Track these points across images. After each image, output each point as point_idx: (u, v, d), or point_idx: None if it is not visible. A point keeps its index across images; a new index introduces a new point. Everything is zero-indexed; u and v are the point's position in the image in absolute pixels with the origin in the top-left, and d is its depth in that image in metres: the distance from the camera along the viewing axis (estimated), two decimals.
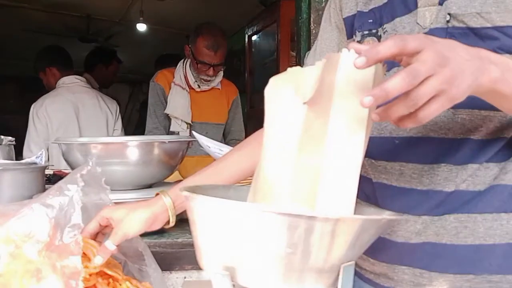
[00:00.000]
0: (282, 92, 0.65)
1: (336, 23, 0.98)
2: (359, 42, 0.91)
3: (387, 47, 0.53)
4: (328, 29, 1.00)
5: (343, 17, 0.95)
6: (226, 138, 2.70)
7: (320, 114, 0.62)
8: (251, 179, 0.75)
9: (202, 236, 0.64)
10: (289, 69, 0.68)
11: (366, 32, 0.89)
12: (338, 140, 0.61)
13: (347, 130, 0.61)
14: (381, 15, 0.87)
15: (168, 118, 2.49)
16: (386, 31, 0.86)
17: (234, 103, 2.67)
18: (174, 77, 2.49)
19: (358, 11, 0.92)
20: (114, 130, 2.75)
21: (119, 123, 2.78)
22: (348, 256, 0.62)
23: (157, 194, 0.98)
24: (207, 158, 2.12)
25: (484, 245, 0.79)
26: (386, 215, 0.70)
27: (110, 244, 0.88)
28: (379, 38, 0.87)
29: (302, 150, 0.63)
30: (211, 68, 2.40)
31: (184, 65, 2.50)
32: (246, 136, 2.77)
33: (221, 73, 2.54)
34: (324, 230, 0.57)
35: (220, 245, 0.62)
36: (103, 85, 3.69)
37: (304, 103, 0.62)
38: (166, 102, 2.47)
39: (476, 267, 0.79)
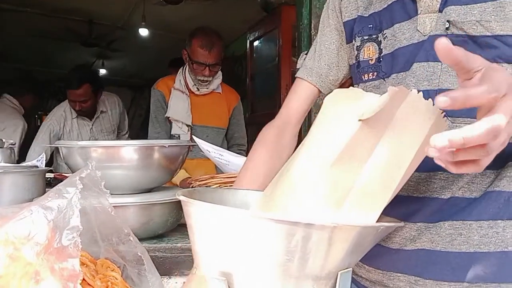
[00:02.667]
0: (341, 104, 0.66)
1: (335, 25, 0.99)
2: (358, 47, 0.91)
3: (479, 98, 0.50)
4: (327, 31, 1.00)
5: (343, 21, 0.96)
6: (229, 142, 2.71)
7: (370, 138, 0.63)
8: None
9: (200, 241, 0.64)
10: (351, 88, 0.70)
11: (366, 37, 0.90)
12: (378, 167, 0.63)
13: (390, 162, 0.63)
14: (381, 20, 0.88)
15: (169, 122, 2.50)
16: (386, 36, 0.86)
17: (235, 110, 2.68)
18: (174, 83, 2.52)
19: (358, 16, 0.92)
20: None
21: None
22: (345, 263, 0.62)
23: None
24: (207, 161, 2.14)
25: (479, 252, 0.79)
26: (384, 221, 0.70)
27: None
28: (379, 44, 0.88)
29: (338, 163, 0.63)
30: (207, 68, 2.41)
31: (184, 70, 2.53)
32: (248, 141, 2.81)
33: (220, 76, 2.55)
34: (321, 238, 0.57)
35: (217, 250, 0.62)
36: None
37: (360, 120, 0.63)
38: (167, 107, 2.50)
39: (471, 275, 0.79)
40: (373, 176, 0.63)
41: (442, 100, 0.49)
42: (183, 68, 2.56)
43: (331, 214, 0.63)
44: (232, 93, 2.71)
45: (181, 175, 2.11)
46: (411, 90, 0.63)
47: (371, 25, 0.89)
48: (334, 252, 0.59)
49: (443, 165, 0.54)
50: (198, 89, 2.50)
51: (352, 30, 0.93)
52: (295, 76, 1.06)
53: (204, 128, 2.53)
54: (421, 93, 0.62)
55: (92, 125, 3.14)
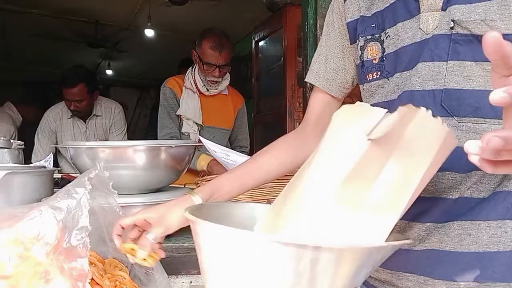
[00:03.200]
0: (349, 121, 0.67)
1: (339, 29, 0.99)
2: (362, 47, 0.91)
3: None
4: (332, 34, 1.00)
5: (346, 21, 0.96)
6: (232, 144, 2.74)
7: (379, 157, 0.63)
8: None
9: (207, 260, 0.64)
10: (358, 103, 0.70)
11: (369, 37, 0.90)
12: (387, 186, 0.63)
13: (398, 182, 0.63)
14: (383, 19, 0.87)
15: (179, 120, 2.52)
16: (389, 35, 0.86)
17: (240, 112, 2.71)
18: (184, 82, 2.54)
19: (361, 16, 0.92)
20: None
21: None
22: (353, 283, 0.62)
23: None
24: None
25: (488, 252, 0.79)
26: (392, 239, 0.69)
27: (151, 236, 0.87)
28: (382, 43, 0.88)
29: (348, 181, 0.64)
30: (217, 69, 2.44)
31: (193, 70, 2.55)
32: (252, 142, 2.82)
33: (228, 78, 2.56)
34: (329, 259, 0.57)
35: (224, 270, 0.62)
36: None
37: (369, 139, 0.63)
38: (179, 105, 2.51)
39: (480, 274, 0.79)
40: (382, 195, 0.63)
41: (497, 95, 0.47)
42: (192, 68, 2.57)
43: (342, 232, 0.63)
44: (237, 95, 2.73)
45: (203, 162, 2.24)
46: (420, 108, 0.61)
47: (374, 25, 0.89)
48: (342, 274, 0.59)
49: (478, 164, 0.52)
50: (208, 90, 2.52)
51: (355, 30, 0.93)
52: (304, 80, 1.06)
53: (211, 129, 2.54)
54: (430, 111, 0.61)
55: (86, 128, 3.07)
